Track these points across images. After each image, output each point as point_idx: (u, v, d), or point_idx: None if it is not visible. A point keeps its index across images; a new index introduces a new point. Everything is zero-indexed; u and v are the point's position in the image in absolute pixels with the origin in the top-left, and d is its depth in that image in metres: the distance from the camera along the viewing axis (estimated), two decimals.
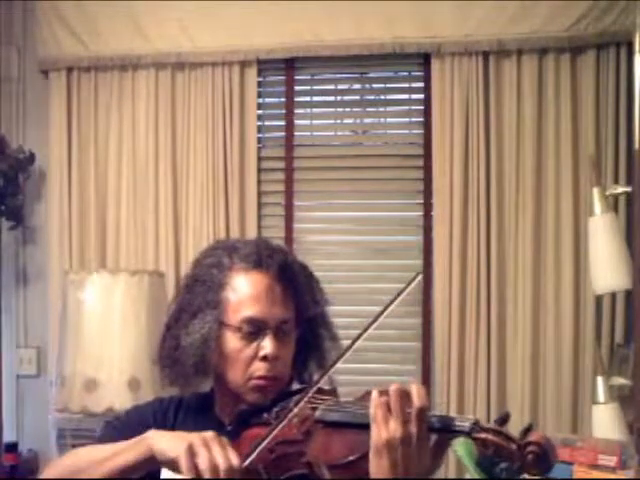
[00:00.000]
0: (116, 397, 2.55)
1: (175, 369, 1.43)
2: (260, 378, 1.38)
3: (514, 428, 2.84)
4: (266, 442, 1.17)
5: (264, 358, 1.37)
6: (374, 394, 1.12)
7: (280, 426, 1.18)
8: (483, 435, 1.06)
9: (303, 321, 1.44)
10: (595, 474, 1.79)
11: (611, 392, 2.34)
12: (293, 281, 1.43)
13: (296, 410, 1.20)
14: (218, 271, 1.42)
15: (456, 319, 2.86)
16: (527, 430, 1.05)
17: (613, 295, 2.69)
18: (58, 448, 3.03)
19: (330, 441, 1.19)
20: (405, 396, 1.09)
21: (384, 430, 1.09)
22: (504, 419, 1.08)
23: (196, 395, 1.53)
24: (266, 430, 1.20)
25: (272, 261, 1.41)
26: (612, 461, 1.78)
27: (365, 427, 1.13)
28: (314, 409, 1.26)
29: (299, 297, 1.43)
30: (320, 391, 1.31)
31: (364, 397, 1.28)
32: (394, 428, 1.08)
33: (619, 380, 2.39)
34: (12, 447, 3.03)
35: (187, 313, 1.42)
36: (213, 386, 1.49)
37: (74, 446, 2.99)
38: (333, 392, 1.35)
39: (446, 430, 1.10)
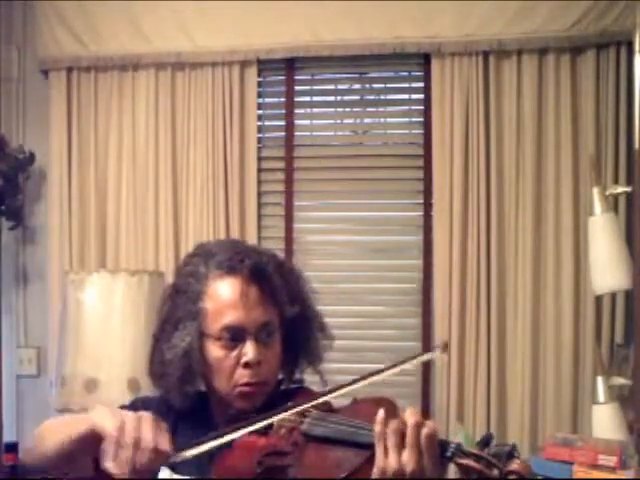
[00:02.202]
0: (116, 397, 2.54)
1: (163, 382, 1.43)
2: (245, 385, 1.37)
3: (514, 428, 2.84)
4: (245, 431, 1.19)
5: (246, 365, 1.36)
6: (381, 415, 1.10)
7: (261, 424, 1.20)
8: (465, 461, 1.05)
9: (287, 319, 1.43)
10: (595, 474, 1.79)
11: (611, 392, 2.34)
12: (268, 281, 1.41)
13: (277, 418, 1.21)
14: (195, 280, 1.42)
15: (456, 319, 2.85)
16: (510, 454, 1.04)
17: (613, 295, 2.69)
18: None
19: (317, 458, 1.19)
20: (420, 427, 1.08)
21: (395, 459, 1.07)
22: (487, 441, 1.07)
23: (198, 393, 1.52)
24: (258, 441, 1.21)
25: (243, 265, 1.40)
26: (612, 461, 1.78)
27: (351, 445, 1.14)
28: (302, 421, 1.25)
29: (277, 296, 1.42)
30: (310, 397, 1.30)
31: (352, 407, 1.28)
32: (407, 460, 1.06)
33: (619, 380, 2.39)
34: (12, 447, 3.02)
35: (170, 325, 1.42)
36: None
37: None
38: (322, 395, 1.34)
39: None
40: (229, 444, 1.26)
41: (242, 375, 1.37)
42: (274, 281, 1.42)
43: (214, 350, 1.38)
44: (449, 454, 1.06)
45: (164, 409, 1.45)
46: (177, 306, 1.42)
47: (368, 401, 1.26)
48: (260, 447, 1.23)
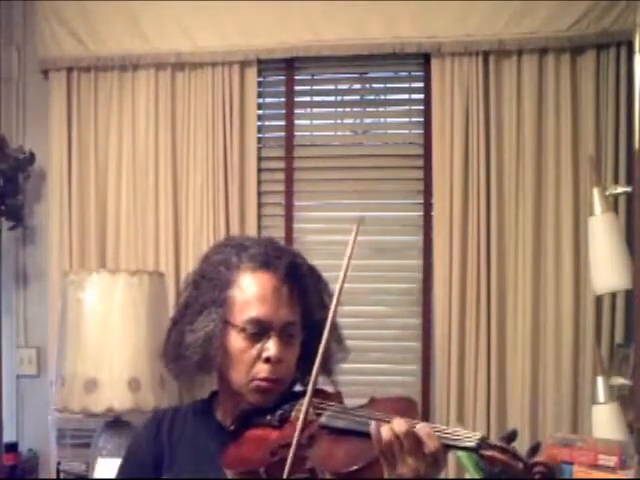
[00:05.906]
0: (116, 397, 2.55)
1: (179, 364, 1.43)
2: (262, 380, 1.37)
3: (514, 428, 2.80)
4: (293, 452, 1.14)
5: (267, 360, 1.36)
6: (373, 428, 1.10)
7: (298, 433, 1.16)
8: (490, 453, 1.05)
9: (309, 324, 1.42)
10: (595, 474, 1.79)
11: (611, 392, 2.34)
12: (300, 283, 1.42)
13: (304, 413, 1.19)
14: (226, 269, 1.41)
15: (456, 319, 2.85)
16: (534, 450, 1.04)
17: (613, 295, 2.69)
18: (58, 448, 3.03)
19: (334, 448, 1.18)
20: (413, 436, 1.08)
21: (403, 466, 1.07)
22: (511, 437, 1.07)
23: (194, 402, 1.53)
24: (272, 433, 1.20)
25: (280, 262, 1.40)
26: (612, 461, 1.78)
27: (369, 436, 1.13)
28: (319, 414, 1.25)
29: (306, 299, 1.42)
30: (325, 395, 1.30)
31: (369, 405, 1.27)
32: (414, 466, 1.07)
33: (619, 380, 2.39)
34: (12, 447, 3.02)
35: (193, 309, 1.41)
36: (217, 386, 1.48)
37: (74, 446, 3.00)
38: (337, 395, 1.34)
39: (454, 447, 1.09)
40: (240, 437, 1.26)
41: (261, 369, 1.37)
42: (305, 284, 1.43)
43: (236, 340, 1.38)
44: (475, 445, 1.06)
45: (159, 427, 1.46)
46: (203, 292, 1.42)
47: (386, 400, 1.26)
48: (274, 439, 1.23)
